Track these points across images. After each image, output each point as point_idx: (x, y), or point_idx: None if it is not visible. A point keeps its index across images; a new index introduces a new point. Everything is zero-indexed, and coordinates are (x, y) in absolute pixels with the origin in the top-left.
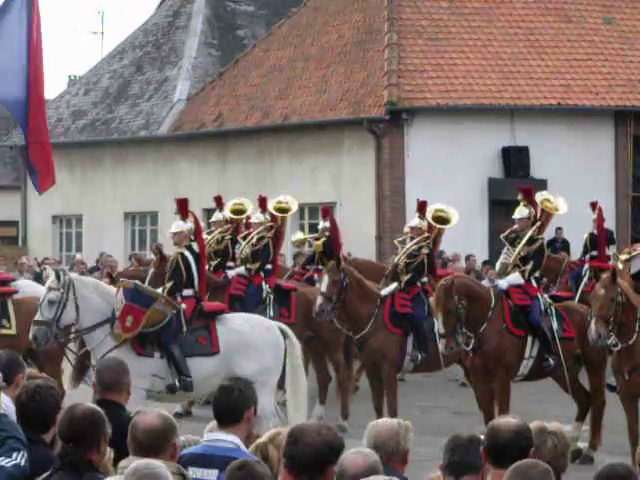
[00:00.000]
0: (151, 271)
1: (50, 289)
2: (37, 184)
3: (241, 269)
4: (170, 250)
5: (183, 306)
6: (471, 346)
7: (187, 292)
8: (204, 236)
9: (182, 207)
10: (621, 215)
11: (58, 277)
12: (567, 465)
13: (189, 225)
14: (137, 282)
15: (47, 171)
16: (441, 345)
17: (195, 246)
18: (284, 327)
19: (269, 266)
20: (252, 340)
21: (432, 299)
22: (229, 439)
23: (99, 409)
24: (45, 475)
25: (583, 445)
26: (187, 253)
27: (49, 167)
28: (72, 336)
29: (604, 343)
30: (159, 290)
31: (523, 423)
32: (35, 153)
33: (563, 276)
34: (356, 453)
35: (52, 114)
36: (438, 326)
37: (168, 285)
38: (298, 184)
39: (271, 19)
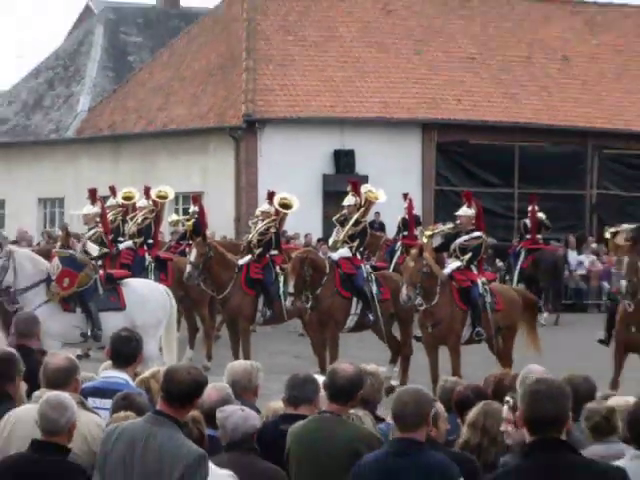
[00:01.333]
0: (58, 245)
1: None
2: None
3: (129, 243)
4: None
5: (101, 272)
6: (309, 304)
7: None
8: None
9: (92, 195)
10: (426, 204)
11: (1, 247)
12: (382, 399)
13: (97, 209)
14: (72, 252)
15: None
16: (288, 302)
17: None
18: (168, 290)
19: (151, 241)
20: (149, 299)
21: (288, 267)
22: (121, 376)
23: (14, 351)
24: None
25: (395, 382)
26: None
27: None
28: (8, 296)
29: (412, 304)
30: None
31: (357, 370)
32: None
33: (381, 250)
34: (212, 388)
35: None
36: (287, 287)
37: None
38: (175, 177)
39: (155, 48)
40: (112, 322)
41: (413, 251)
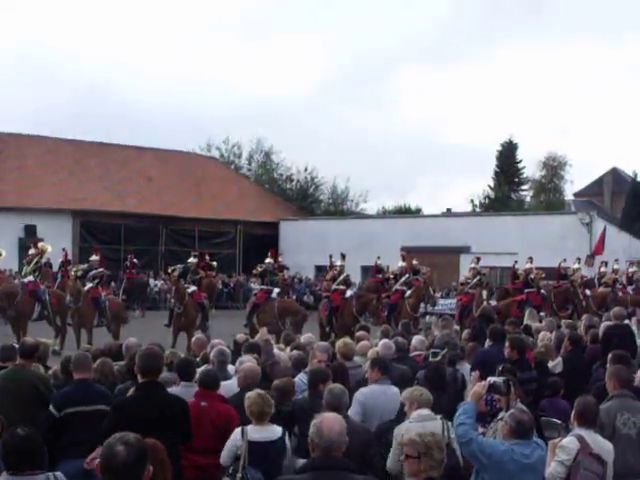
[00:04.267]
0: None
1: None
2: None
3: None
4: None
5: None
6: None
7: None
8: None
9: None
10: (75, 255)
11: None
12: (49, 357)
13: None
14: None
15: None
16: None
17: None
18: None
19: None
20: None
21: None
22: None
23: None
24: None
25: (57, 348)
26: None
27: None
28: None
29: (70, 305)
30: None
31: (37, 342)
32: None
33: (49, 276)
34: None
35: None
36: None
37: None
38: None
39: None
40: None
41: (71, 278)
